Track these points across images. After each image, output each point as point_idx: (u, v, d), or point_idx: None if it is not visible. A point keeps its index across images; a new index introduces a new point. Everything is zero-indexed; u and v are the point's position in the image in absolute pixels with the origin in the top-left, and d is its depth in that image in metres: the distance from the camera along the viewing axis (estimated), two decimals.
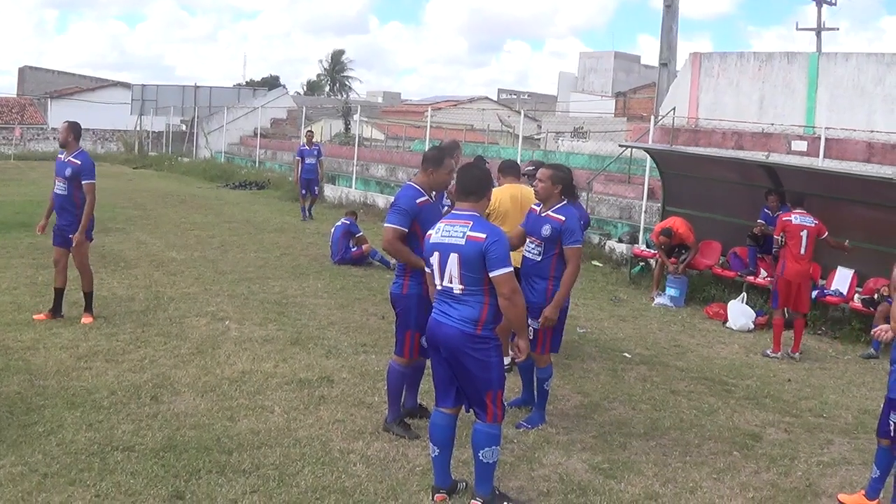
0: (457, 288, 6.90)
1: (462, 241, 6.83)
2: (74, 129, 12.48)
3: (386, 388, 8.87)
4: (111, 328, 12.18)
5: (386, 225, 8.46)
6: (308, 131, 29.83)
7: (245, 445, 8.10)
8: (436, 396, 7.28)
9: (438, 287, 7.03)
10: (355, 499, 7.15)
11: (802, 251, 13.70)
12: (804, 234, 13.65)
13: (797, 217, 13.81)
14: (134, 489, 7.08)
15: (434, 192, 8.77)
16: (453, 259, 6.85)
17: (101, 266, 16.78)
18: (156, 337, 11.81)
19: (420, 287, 8.39)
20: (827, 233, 14.04)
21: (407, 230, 8.41)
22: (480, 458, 7.05)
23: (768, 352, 13.78)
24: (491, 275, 6.77)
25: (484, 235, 6.82)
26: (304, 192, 28.01)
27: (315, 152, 28.11)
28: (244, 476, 7.43)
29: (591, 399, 10.39)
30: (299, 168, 27.98)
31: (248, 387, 9.84)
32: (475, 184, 7.13)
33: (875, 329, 8.25)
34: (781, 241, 13.76)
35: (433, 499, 7.23)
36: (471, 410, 7.13)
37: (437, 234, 7.00)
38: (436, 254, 6.96)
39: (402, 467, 7.88)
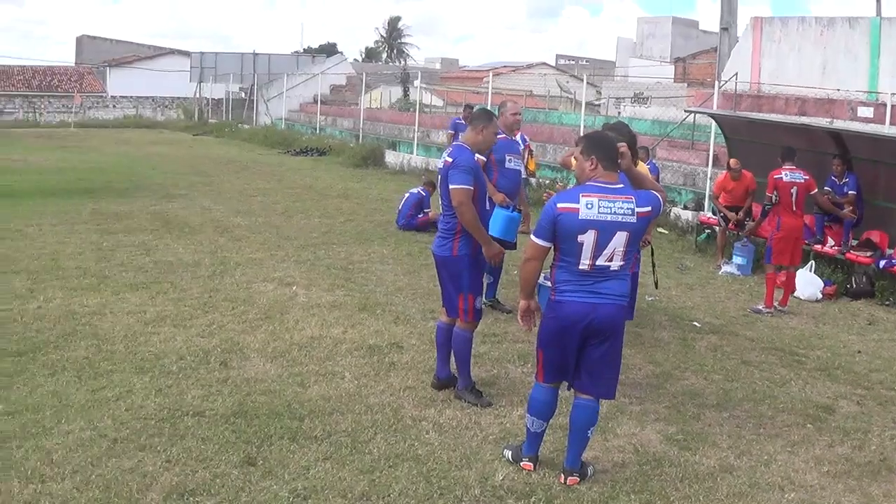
0: (616, 265, 6.67)
1: (633, 219, 6.62)
2: None
3: (454, 355, 8.71)
4: (178, 293, 12.15)
5: (458, 186, 8.27)
6: (467, 105, 29.18)
7: (316, 412, 8.01)
8: (545, 375, 7.05)
9: (584, 267, 6.67)
10: (429, 467, 7.04)
11: (794, 207, 13.70)
12: (794, 190, 13.65)
13: (787, 174, 13.73)
14: (205, 455, 7.02)
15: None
16: (621, 237, 6.61)
17: (165, 231, 16.91)
18: (223, 302, 11.76)
19: (470, 248, 8.37)
20: (816, 189, 14.26)
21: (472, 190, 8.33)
22: (588, 434, 7.03)
23: (760, 307, 13.70)
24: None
25: (649, 209, 6.71)
26: None
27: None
28: (316, 443, 7.35)
29: (663, 369, 10.21)
30: (451, 142, 27.40)
31: (318, 352, 9.76)
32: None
33: None
34: (775, 199, 13.63)
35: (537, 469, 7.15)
36: (584, 390, 6.99)
37: (589, 209, 6.58)
38: (591, 232, 6.58)
39: (475, 435, 7.75)
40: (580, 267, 6.63)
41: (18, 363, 9.06)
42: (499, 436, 7.75)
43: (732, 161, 17.43)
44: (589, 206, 6.55)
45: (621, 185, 6.76)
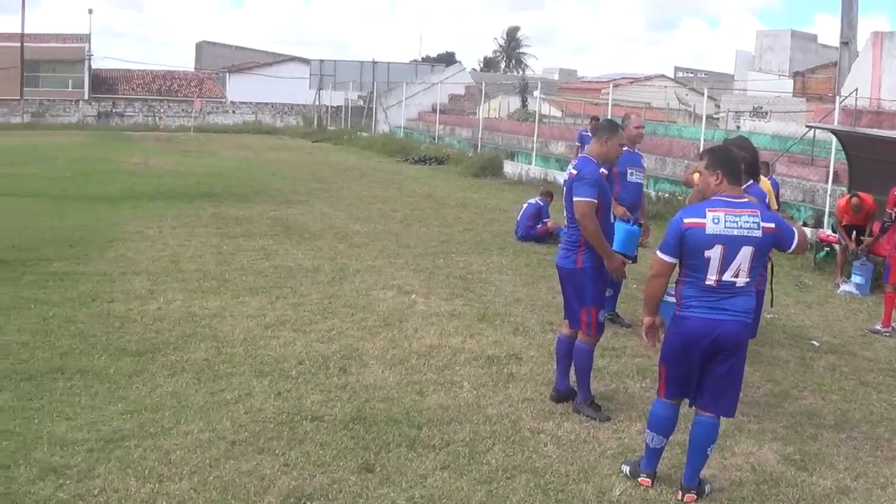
0: (742, 281, 6.61)
1: (759, 233, 6.55)
2: None
3: (574, 368, 8.64)
4: (297, 298, 12.26)
5: (582, 199, 8.21)
6: (593, 117, 28.94)
7: (435, 420, 8.01)
8: (667, 391, 6.99)
9: (710, 282, 6.61)
10: (546, 479, 6.98)
11: None
12: None
13: None
14: (323, 460, 7.05)
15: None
16: (746, 252, 6.54)
17: (285, 237, 17.11)
18: (342, 308, 11.82)
19: (594, 260, 8.29)
20: None
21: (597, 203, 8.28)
22: (707, 452, 6.96)
23: (878, 327, 13.25)
24: (792, 248, 6.84)
25: (774, 225, 6.63)
26: None
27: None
28: (434, 451, 7.34)
29: (782, 387, 10.01)
30: (578, 154, 27.32)
31: (437, 361, 9.76)
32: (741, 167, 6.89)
33: None
34: (894, 216, 13.33)
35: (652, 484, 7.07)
36: (705, 407, 6.91)
37: (716, 224, 6.55)
38: (718, 247, 6.54)
39: (593, 450, 7.67)
40: (706, 283, 6.56)
41: (138, 363, 9.22)
42: (617, 450, 7.67)
43: (854, 200, 17.07)
44: (715, 220, 6.49)
45: (746, 199, 6.71)
